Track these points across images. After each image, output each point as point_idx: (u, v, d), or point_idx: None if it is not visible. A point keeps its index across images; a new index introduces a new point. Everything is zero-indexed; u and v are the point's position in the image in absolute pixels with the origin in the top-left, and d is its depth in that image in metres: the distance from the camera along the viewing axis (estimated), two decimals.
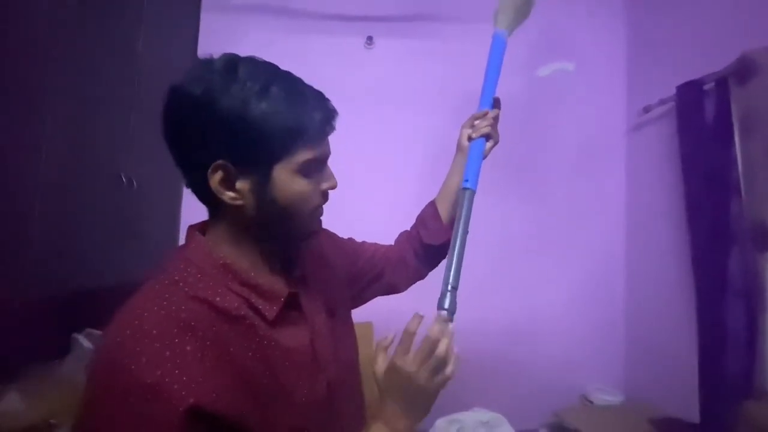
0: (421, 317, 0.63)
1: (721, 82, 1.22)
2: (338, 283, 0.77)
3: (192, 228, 0.60)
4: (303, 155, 0.55)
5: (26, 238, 0.94)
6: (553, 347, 1.68)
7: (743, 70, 1.14)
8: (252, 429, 0.50)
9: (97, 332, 1.28)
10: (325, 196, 0.61)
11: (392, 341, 0.67)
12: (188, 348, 0.47)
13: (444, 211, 0.91)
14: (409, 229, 0.96)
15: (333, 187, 0.61)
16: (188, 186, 0.57)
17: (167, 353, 0.46)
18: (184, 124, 0.53)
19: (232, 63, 0.53)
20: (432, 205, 0.93)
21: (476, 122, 0.88)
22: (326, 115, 0.57)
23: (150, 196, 1.42)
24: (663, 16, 1.60)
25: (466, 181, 0.82)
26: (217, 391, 0.47)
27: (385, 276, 0.89)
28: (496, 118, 0.89)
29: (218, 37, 1.66)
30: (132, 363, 0.45)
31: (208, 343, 0.49)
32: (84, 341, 1.22)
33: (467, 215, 0.79)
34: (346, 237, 0.89)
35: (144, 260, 1.41)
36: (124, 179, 1.24)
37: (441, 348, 0.60)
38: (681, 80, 1.35)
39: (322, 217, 0.64)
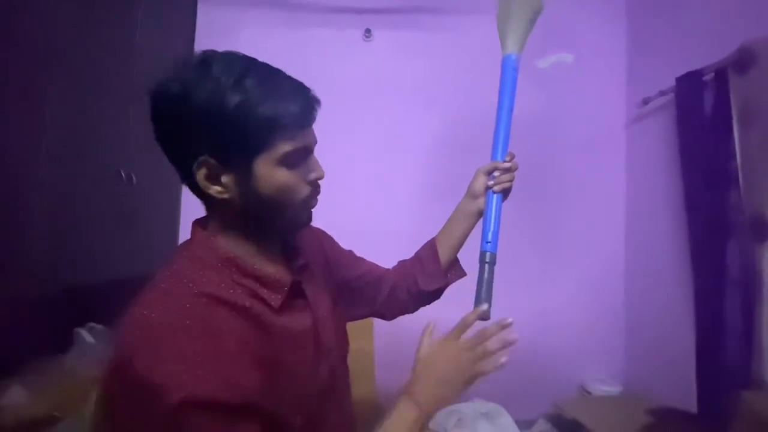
0: (477, 316, 0.69)
1: (721, 73, 1.22)
2: (333, 281, 0.77)
3: (195, 223, 0.61)
4: (283, 147, 0.54)
5: (27, 235, 0.95)
6: (552, 338, 1.69)
7: (742, 61, 1.13)
8: (270, 415, 0.51)
9: (99, 326, 1.28)
10: (314, 187, 0.60)
11: (433, 328, 0.70)
12: (198, 342, 0.48)
13: (444, 254, 0.86)
14: (407, 259, 0.91)
15: (320, 178, 0.60)
16: (182, 181, 0.57)
17: (177, 350, 0.47)
18: (166, 122, 0.53)
19: (207, 59, 0.52)
20: (432, 245, 0.88)
21: (496, 173, 0.81)
22: (306, 105, 0.55)
23: (149, 192, 1.42)
24: (662, 7, 1.59)
25: (488, 242, 0.75)
26: (231, 381, 0.48)
27: (374, 303, 0.85)
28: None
29: (215, 30, 1.65)
30: (145, 361, 0.46)
31: (217, 337, 0.50)
32: (86, 335, 1.23)
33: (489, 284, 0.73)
34: (345, 241, 0.87)
35: (144, 255, 1.41)
36: (123, 175, 1.24)
37: (493, 342, 0.64)
38: (680, 71, 1.35)
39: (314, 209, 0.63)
